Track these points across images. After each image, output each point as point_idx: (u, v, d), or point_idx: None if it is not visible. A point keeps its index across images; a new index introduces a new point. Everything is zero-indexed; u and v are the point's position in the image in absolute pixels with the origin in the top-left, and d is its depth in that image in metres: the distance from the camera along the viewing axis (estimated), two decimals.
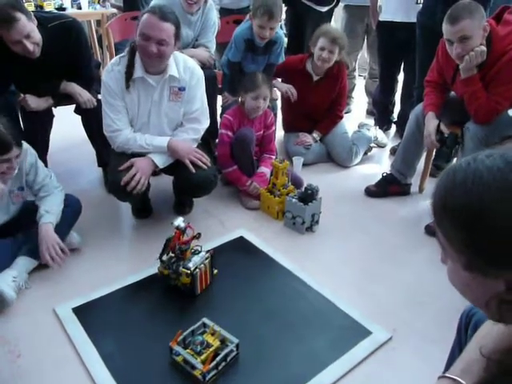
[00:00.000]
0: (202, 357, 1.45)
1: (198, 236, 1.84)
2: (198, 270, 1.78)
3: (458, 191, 0.65)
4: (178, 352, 1.48)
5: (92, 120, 2.42)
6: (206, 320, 1.59)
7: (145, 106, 2.13)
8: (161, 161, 2.13)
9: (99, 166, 2.70)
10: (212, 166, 2.21)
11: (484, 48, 2.07)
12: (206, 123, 2.27)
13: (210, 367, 1.43)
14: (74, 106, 2.48)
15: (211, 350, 1.47)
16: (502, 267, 0.63)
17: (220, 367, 1.47)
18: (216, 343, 1.50)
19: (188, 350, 1.48)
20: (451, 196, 0.66)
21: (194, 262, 1.79)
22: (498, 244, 0.62)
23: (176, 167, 2.18)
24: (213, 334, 1.54)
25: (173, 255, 1.82)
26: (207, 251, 1.87)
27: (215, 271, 1.92)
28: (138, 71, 2.06)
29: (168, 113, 2.17)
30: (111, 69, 2.10)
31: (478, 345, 0.86)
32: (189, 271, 1.75)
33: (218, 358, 1.46)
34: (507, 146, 0.67)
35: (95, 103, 2.38)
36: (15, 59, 2.17)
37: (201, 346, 1.48)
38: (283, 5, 2.84)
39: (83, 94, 2.39)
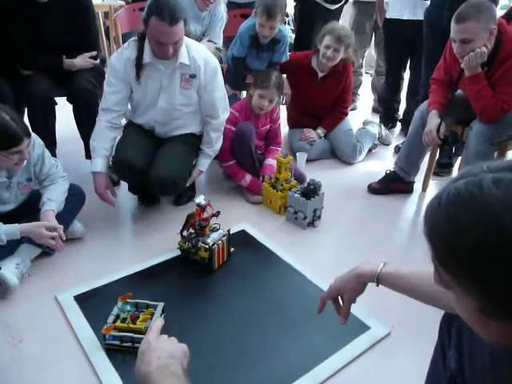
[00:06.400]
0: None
1: (216, 214, 1.95)
2: (215, 245, 1.87)
3: (441, 221, 0.62)
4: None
5: (82, 110, 2.44)
6: (161, 304, 1.61)
7: (153, 89, 2.14)
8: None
9: (87, 158, 2.60)
10: (181, 171, 2.21)
11: (484, 49, 2.04)
12: (228, 112, 2.38)
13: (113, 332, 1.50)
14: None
15: (131, 326, 1.51)
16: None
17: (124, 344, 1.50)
18: (141, 325, 1.51)
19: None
20: (436, 225, 0.62)
21: (213, 238, 1.89)
22: (503, 289, 0.56)
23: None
24: (149, 316, 1.56)
25: (193, 231, 1.91)
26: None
27: (232, 249, 2.00)
28: (147, 57, 2.06)
29: (182, 99, 2.19)
30: (120, 52, 2.12)
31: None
32: (207, 246, 1.85)
33: (128, 334, 1.49)
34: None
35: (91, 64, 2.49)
36: (17, 10, 2.26)
37: (127, 315, 1.55)
38: (293, 0, 2.83)
39: (79, 62, 2.46)
